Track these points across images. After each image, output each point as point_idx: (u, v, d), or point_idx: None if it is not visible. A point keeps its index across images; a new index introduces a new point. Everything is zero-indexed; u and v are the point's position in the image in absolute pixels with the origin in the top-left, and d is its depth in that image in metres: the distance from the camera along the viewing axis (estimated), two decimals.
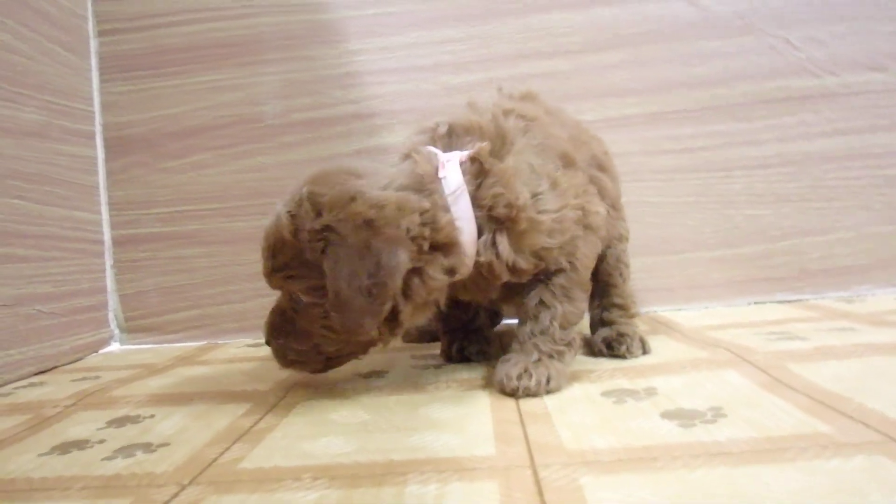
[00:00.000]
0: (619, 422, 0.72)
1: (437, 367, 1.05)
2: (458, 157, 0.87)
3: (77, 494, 0.63)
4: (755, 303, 1.44)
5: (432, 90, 1.48)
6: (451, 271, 0.83)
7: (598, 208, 0.95)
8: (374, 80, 1.49)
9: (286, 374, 0.97)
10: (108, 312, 1.48)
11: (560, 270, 0.91)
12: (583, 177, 0.95)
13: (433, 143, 0.93)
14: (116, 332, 1.50)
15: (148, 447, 0.74)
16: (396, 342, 1.16)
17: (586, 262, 0.94)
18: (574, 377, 0.91)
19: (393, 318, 0.83)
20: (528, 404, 0.81)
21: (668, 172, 1.46)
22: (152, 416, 0.87)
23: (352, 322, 0.78)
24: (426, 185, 0.83)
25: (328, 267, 0.78)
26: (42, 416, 0.90)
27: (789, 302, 1.42)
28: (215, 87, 1.50)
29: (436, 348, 1.13)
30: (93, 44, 1.51)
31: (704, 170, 1.45)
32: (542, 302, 0.91)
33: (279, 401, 0.90)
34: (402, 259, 0.77)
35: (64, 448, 0.76)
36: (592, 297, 1.09)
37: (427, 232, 0.80)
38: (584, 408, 0.78)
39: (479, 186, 0.85)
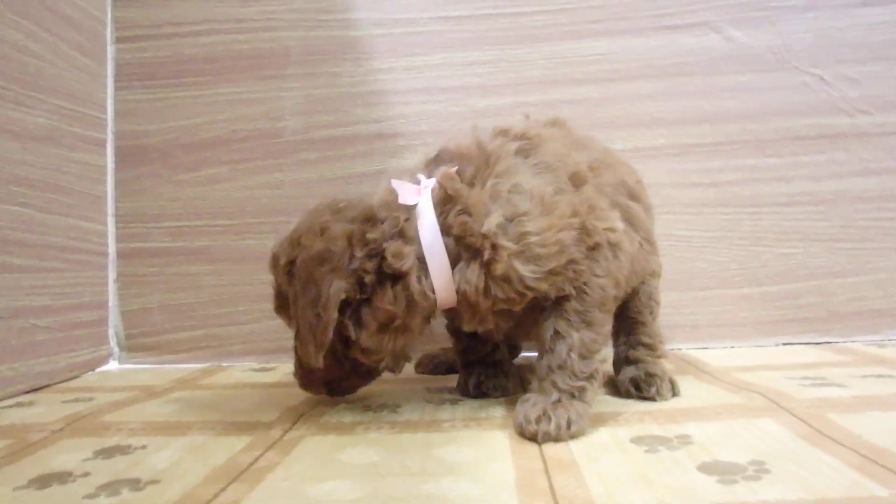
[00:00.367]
0: (654, 475, 0.66)
1: (454, 402, 1.00)
2: (431, 184, 0.87)
3: None
4: (782, 344, 1.39)
5: (459, 112, 1.44)
6: (409, 300, 0.84)
7: (611, 224, 0.87)
8: (399, 100, 1.45)
9: (292, 403, 0.97)
10: (108, 329, 1.43)
11: (567, 297, 0.85)
12: (591, 193, 0.88)
13: (425, 168, 0.92)
14: (116, 349, 1.45)
15: (136, 484, 0.69)
16: (408, 372, 1.14)
17: (603, 284, 0.86)
18: (600, 419, 0.86)
19: (348, 346, 0.87)
20: (552, 449, 0.76)
21: (696, 206, 1.42)
22: (144, 446, 0.82)
23: (303, 352, 0.84)
24: (380, 215, 0.86)
25: (290, 300, 0.85)
26: (26, 442, 0.85)
27: (817, 344, 1.38)
28: (235, 99, 1.47)
29: (452, 381, 1.08)
30: (110, 50, 1.48)
31: (733, 205, 1.42)
32: (556, 332, 0.85)
33: (283, 434, 0.85)
34: (335, 290, 0.81)
35: (43, 481, 0.71)
36: (617, 334, 1.05)
37: (370, 264, 0.83)
38: (614, 457, 0.72)
39: (447, 214, 0.85)
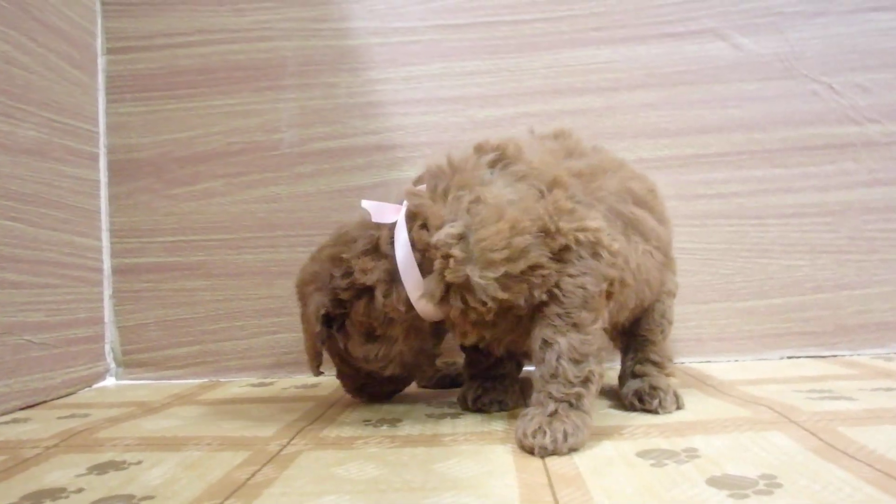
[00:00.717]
0: (662, 489, 0.64)
1: (455, 416, 0.98)
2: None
3: None
4: (788, 357, 1.37)
5: (458, 123, 1.43)
6: (384, 312, 0.91)
7: (582, 224, 0.83)
8: (398, 111, 1.44)
9: (290, 419, 0.98)
10: (104, 345, 1.41)
11: (545, 302, 0.83)
12: (559, 196, 0.84)
13: (412, 186, 0.95)
14: (112, 366, 1.43)
15: (129, 500, 0.67)
16: (410, 386, 1.13)
17: (582, 283, 0.82)
18: (604, 433, 0.84)
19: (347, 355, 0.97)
20: (556, 463, 0.74)
21: (700, 217, 1.40)
22: (139, 462, 0.80)
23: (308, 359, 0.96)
24: (353, 234, 0.94)
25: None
26: (19, 458, 0.84)
27: (823, 357, 1.35)
28: (229, 111, 1.45)
29: (454, 395, 1.07)
30: (101, 61, 1.46)
31: (738, 216, 1.40)
32: (544, 341, 0.83)
33: (280, 449, 0.83)
34: (314, 304, 0.92)
35: (36, 498, 0.69)
36: (626, 350, 1.04)
37: (345, 281, 0.91)
38: (620, 471, 0.70)
39: (412, 229, 0.89)
